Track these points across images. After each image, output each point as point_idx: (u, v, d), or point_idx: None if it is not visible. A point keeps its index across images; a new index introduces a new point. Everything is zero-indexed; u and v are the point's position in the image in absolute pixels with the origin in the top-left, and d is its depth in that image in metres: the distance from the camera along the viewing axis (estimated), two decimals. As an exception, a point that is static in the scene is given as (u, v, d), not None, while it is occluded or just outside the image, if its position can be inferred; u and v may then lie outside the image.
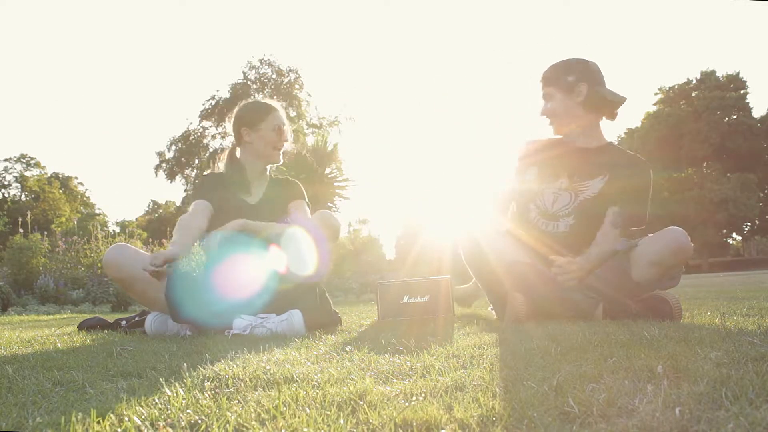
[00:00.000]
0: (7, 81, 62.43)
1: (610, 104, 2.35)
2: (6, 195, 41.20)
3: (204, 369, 1.26)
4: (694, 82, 41.48)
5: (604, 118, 2.40)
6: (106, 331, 2.56)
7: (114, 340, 2.11)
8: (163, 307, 2.22)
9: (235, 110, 2.60)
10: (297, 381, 1.12)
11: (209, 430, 0.80)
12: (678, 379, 0.96)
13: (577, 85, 2.32)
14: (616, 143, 2.50)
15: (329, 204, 10.83)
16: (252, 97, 30.10)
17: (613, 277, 2.17)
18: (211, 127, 31.17)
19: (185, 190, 31.90)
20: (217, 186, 2.49)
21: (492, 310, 2.52)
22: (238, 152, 2.59)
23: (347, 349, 1.54)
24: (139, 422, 0.83)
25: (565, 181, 2.36)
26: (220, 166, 2.65)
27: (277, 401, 0.93)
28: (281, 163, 2.58)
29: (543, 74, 2.43)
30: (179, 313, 2.17)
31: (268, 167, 2.61)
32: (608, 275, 2.19)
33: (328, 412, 0.87)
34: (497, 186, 2.55)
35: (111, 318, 2.80)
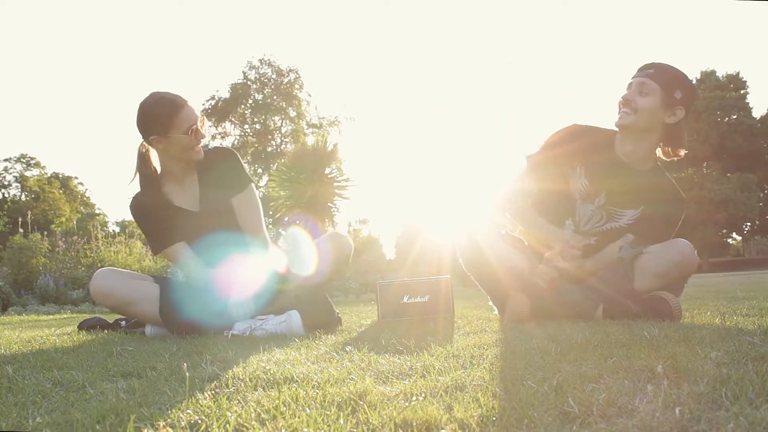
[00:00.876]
0: (7, 81, 62.44)
1: (679, 144, 2.23)
2: (6, 195, 41.20)
3: (204, 369, 1.26)
4: (694, 82, 41.42)
5: (662, 145, 2.26)
6: (106, 331, 2.56)
7: (114, 340, 2.11)
8: (159, 322, 2.22)
9: (138, 113, 2.22)
10: (297, 381, 1.12)
11: (209, 430, 0.80)
12: (678, 379, 0.96)
13: (678, 107, 2.17)
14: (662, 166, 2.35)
15: (329, 204, 10.82)
16: (251, 97, 29.98)
17: (615, 280, 2.18)
18: (211, 127, 31.14)
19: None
20: (154, 215, 2.26)
21: (492, 304, 2.51)
22: (153, 156, 2.27)
23: (347, 349, 1.54)
24: (139, 422, 0.83)
25: (603, 199, 2.28)
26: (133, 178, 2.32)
27: (277, 401, 0.93)
28: (202, 157, 2.26)
29: (653, 66, 2.20)
30: (179, 316, 2.16)
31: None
32: (610, 277, 2.20)
33: (328, 412, 0.87)
34: (516, 182, 2.41)
35: (111, 318, 2.80)
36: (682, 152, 2.25)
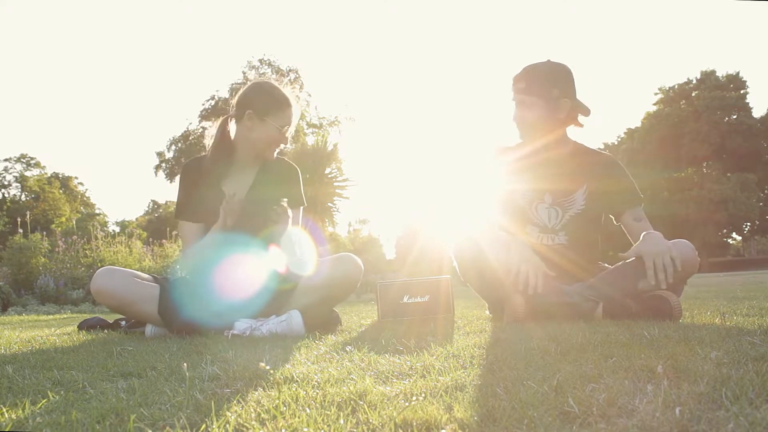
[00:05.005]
0: (7, 81, 62.42)
1: (583, 113, 2.35)
2: (6, 195, 41.20)
3: (204, 369, 1.26)
4: (694, 82, 41.44)
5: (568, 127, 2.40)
6: (106, 331, 2.56)
7: (114, 340, 2.11)
8: (159, 322, 2.21)
9: (248, 86, 2.32)
10: (297, 381, 1.12)
11: (209, 430, 0.80)
12: (678, 379, 0.96)
13: (561, 100, 2.29)
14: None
15: (329, 204, 10.82)
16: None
17: (618, 281, 2.18)
18: (210, 127, 31.18)
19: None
20: (197, 185, 2.31)
21: (489, 312, 2.52)
22: (232, 129, 2.33)
23: (347, 349, 1.54)
24: (139, 422, 0.83)
25: (549, 197, 2.38)
26: (207, 143, 2.42)
27: (277, 401, 0.93)
28: (272, 158, 2.34)
29: (522, 79, 2.32)
30: (179, 316, 2.16)
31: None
32: (613, 278, 2.20)
33: (328, 412, 0.87)
34: (489, 190, 2.51)
35: (111, 318, 2.80)
36: (588, 115, 2.37)
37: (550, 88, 2.27)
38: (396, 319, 2.49)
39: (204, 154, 2.42)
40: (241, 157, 2.35)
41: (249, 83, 2.35)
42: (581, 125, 2.38)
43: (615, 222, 2.43)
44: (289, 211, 2.21)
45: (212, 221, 2.27)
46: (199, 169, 2.35)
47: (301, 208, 2.42)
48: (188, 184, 2.34)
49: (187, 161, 2.41)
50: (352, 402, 0.93)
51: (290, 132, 2.32)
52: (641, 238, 2.16)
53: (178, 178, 2.46)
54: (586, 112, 2.35)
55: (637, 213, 2.36)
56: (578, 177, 2.37)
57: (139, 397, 1.00)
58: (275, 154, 2.35)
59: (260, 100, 2.25)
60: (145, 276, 2.27)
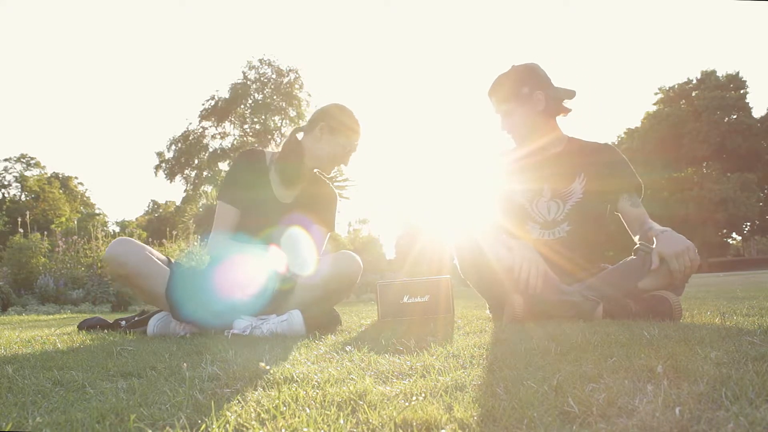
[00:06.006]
0: (7, 81, 62.41)
1: (566, 97, 2.40)
2: (6, 195, 41.19)
3: (204, 369, 1.26)
4: (694, 82, 41.45)
5: (561, 116, 2.45)
6: (106, 331, 2.55)
7: (114, 340, 2.11)
8: (164, 303, 2.21)
9: (328, 104, 2.44)
10: (297, 381, 1.12)
11: (209, 430, 0.80)
12: (678, 379, 0.96)
13: (533, 94, 2.35)
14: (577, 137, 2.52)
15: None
16: (251, 97, 30.04)
17: (618, 281, 2.18)
18: (210, 127, 31.11)
19: (185, 190, 31.76)
20: (251, 175, 2.37)
21: (489, 312, 2.52)
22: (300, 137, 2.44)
23: (347, 349, 1.54)
24: (139, 422, 0.83)
25: (548, 191, 2.40)
26: (273, 147, 2.55)
27: (277, 401, 0.93)
28: (329, 175, 2.48)
29: (493, 91, 2.43)
30: (180, 313, 2.17)
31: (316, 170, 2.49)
32: (613, 278, 2.20)
33: (328, 412, 0.87)
34: (489, 190, 2.54)
35: (111, 318, 2.80)
36: (572, 97, 2.40)
37: (518, 88, 2.36)
38: (396, 319, 2.49)
39: (261, 148, 2.52)
40: (305, 166, 2.42)
41: (329, 103, 2.45)
42: (568, 110, 2.42)
43: (614, 211, 2.41)
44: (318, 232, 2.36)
45: (250, 214, 2.33)
46: (258, 161, 2.41)
47: (329, 234, 2.52)
48: (242, 170, 2.39)
49: (247, 149, 2.48)
50: (352, 402, 0.93)
51: (350, 160, 2.44)
52: (657, 239, 2.11)
53: (230, 163, 2.55)
54: (569, 94, 2.39)
55: (634, 199, 2.36)
56: (576, 169, 2.39)
57: (139, 397, 1.00)
58: (331, 171, 2.47)
59: (336, 117, 2.37)
60: (160, 255, 2.28)
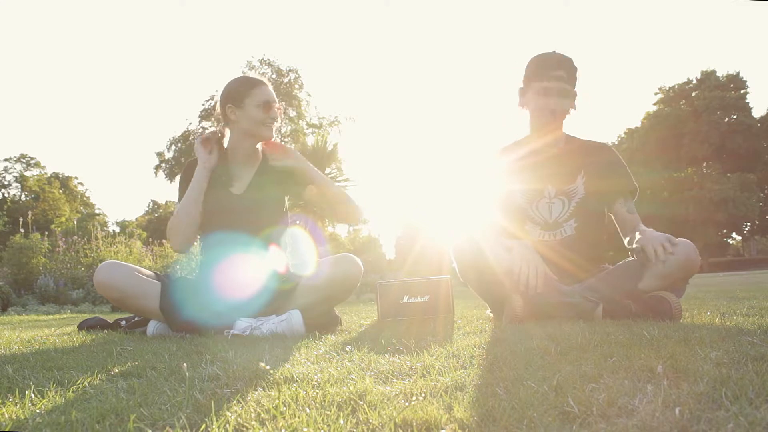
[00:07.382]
0: (7, 81, 62.44)
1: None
2: (6, 195, 41.19)
3: (204, 369, 1.26)
4: (694, 82, 41.43)
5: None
6: (106, 331, 2.55)
7: (114, 340, 2.10)
8: (160, 318, 2.22)
9: (222, 88, 2.41)
10: (297, 381, 1.12)
11: (209, 430, 0.80)
12: (678, 379, 0.96)
13: (575, 91, 2.35)
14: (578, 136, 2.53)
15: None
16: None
17: (618, 281, 2.18)
18: (210, 127, 31.17)
19: (183, 189, 31.85)
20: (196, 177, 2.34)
21: (489, 312, 2.52)
22: (226, 138, 2.42)
23: (347, 349, 1.54)
24: (139, 422, 0.83)
25: (552, 189, 2.38)
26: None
27: (277, 401, 0.93)
28: (272, 138, 2.38)
29: (560, 67, 2.28)
30: (179, 316, 2.16)
31: (259, 146, 2.41)
32: (613, 279, 2.20)
33: (328, 412, 0.87)
34: (488, 191, 2.53)
35: (111, 318, 2.80)
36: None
37: (576, 79, 2.33)
38: (396, 319, 2.49)
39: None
40: (241, 151, 2.38)
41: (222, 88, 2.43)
42: (573, 110, 2.42)
43: (608, 212, 2.43)
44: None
45: (209, 221, 2.30)
46: (194, 164, 2.38)
47: (307, 194, 2.45)
48: (185, 177, 2.40)
49: (189, 161, 2.44)
50: (352, 402, 0.93)
51: (279, 108, 2.36)
52: (640, 233, 2.17)
53: (178, 178, 2.50)
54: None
55: (629, 205, 2.38)
56: (576, 168, 2.39)
57: (139, 397, 1.00)
58: (272, 129, 2.37)
59: (231, 91, 2.34)
60: (147, 272, 2.28)
